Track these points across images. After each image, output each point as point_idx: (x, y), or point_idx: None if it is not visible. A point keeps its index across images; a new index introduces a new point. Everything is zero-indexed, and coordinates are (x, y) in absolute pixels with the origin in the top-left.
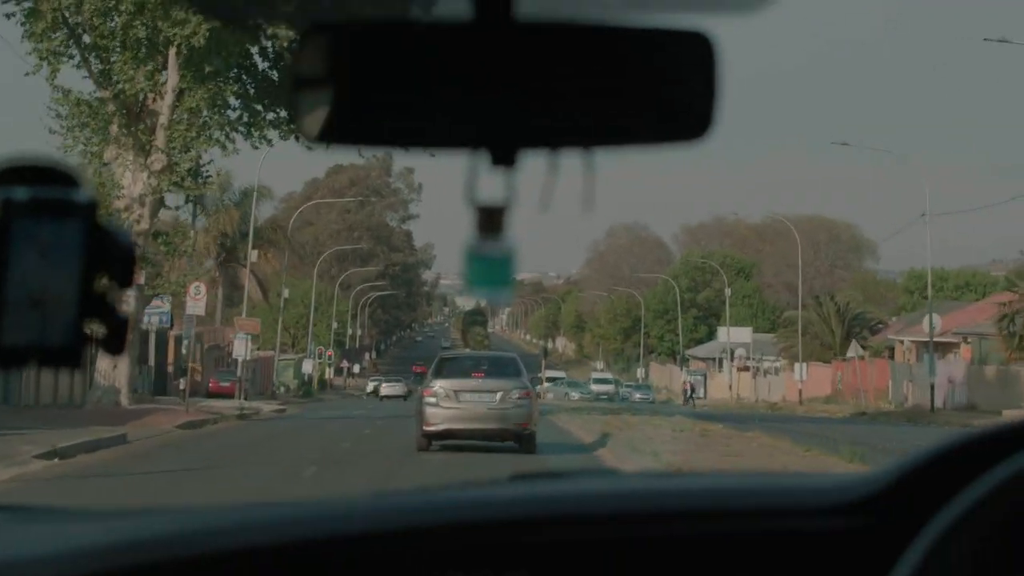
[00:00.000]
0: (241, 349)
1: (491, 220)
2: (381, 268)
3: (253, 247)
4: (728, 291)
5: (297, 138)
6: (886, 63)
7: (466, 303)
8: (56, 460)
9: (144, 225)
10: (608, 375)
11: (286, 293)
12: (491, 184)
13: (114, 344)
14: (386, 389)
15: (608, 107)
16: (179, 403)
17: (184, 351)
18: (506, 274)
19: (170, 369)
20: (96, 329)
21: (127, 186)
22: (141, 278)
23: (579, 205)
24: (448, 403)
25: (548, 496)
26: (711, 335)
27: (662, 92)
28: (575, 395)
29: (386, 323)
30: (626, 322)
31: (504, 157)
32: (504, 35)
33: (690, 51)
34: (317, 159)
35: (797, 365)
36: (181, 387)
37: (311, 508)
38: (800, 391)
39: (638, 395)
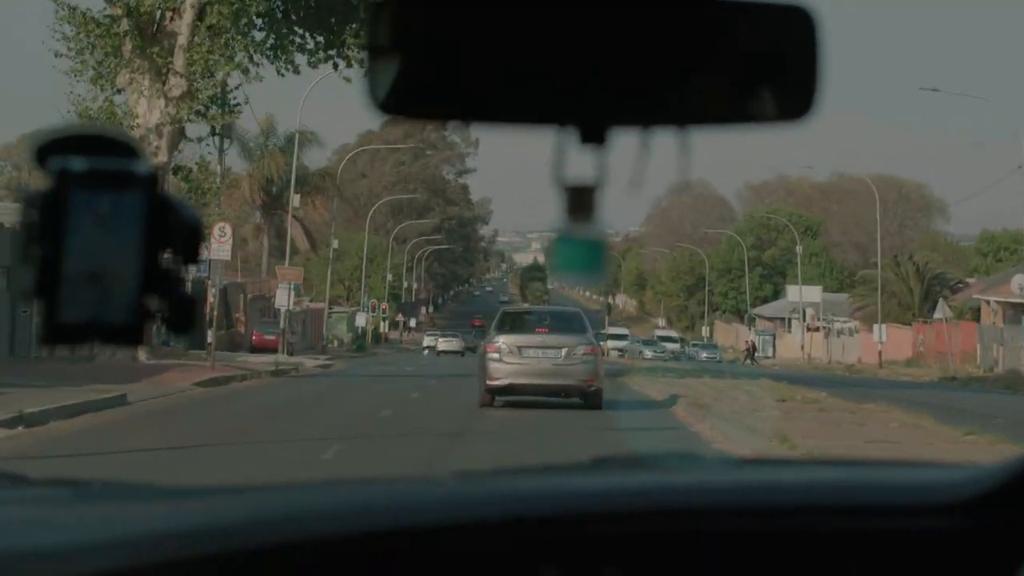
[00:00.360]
0: (283, 299)
1: (581, 201)
2: (437, 221)
3: (300, 195)
4: (799, 248)
5: (336, 65)
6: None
7: (524, 259)
8: (20, 428)
9: (162, 158)
10: (672, 333)
11: (335, 243)
12: (580, 162)
13: (180, 322)
14: (443, 344)
15: (704, 84)
16: (222, 358)
17: (212, 299)
18: (598, 258)
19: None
20: (159, 306)
21: (142, 115)
22: None
23: (626, 183)
24: (512, 358)
25: (639, 488)
26: (776, 294)
27: (761, 69)
28: (648, 353)
29: (442, 277)
30: (689, 280)
31: (594, 134)
32: (596, 4)
33: (791, 26)
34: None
35: (876, 326)
36: (209, 340)
37: (396, 490)
38: (880, 353)
39: (704, 354)
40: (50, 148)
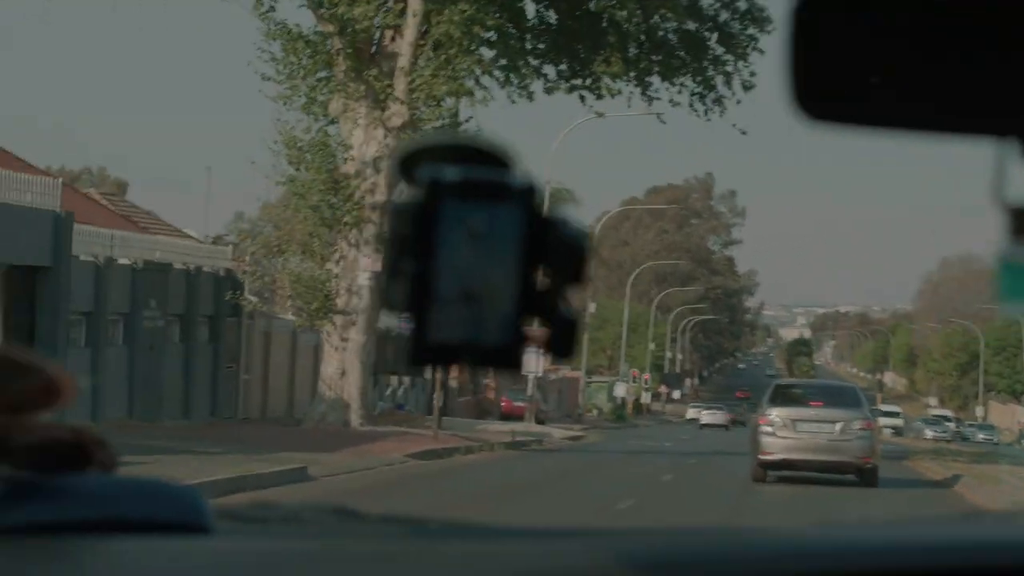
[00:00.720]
0: (532, 364)
1: None
2: (702, 291)
3: None
4: None
5: (582, 97)
6: None
7: (789, 334)
8: None
9: (380, 196)
10: (947, 412)
11: (592, 308)
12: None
13: (561, 346)
14: (707, 417)
15: None
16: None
17: None
18: None
19: (453, 383)
20: (538, 330)
21: (357, 146)
22: (377, 266)
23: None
24: (785, 432)
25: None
26: None
27: None
28: (929, 433)
29: (707, 349)
30: (962, 357)
31: None
32: None
33: None
34: (636, 176)
35: None
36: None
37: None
38: None
39: (981, 435)
40: (416, 159)
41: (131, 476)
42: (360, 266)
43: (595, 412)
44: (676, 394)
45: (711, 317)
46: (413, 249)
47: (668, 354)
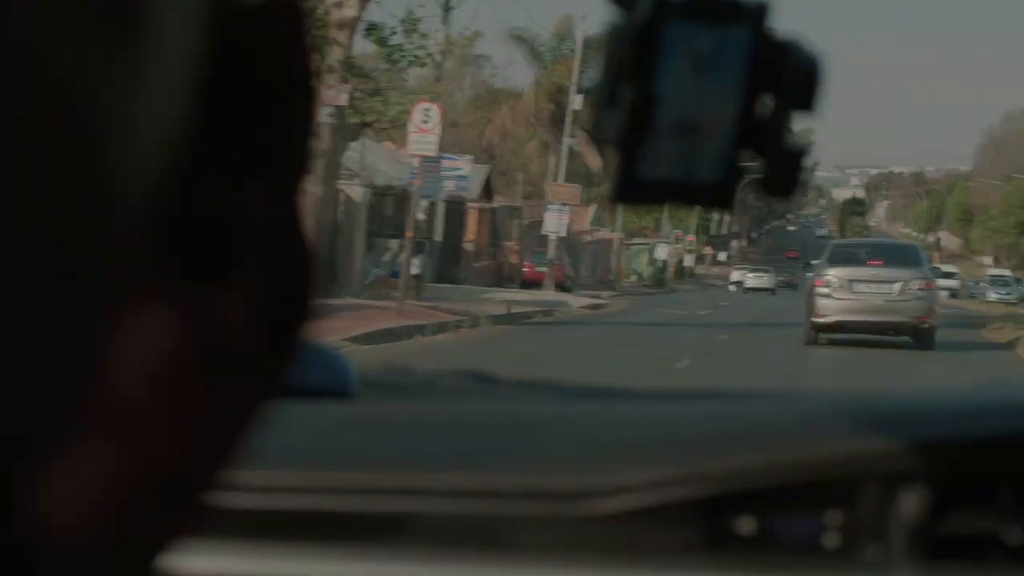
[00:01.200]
0: (553, 223)
1: None
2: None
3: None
4: None
5: None
6: None
7: (842, 194)
8: None
9: (350, 11)
10: (1005, 272)
11: None
12: None
13: (779, 184)
14: (752, 280)
15: None
16: (453, 295)
17: (421, 215)
18: None
19: (469, 247)
20: (757, 163)
21: None
22: (342, 98)
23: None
24: (841, 293)
25: None
26: None
27: None
28: (992, 295)
29: (757, 210)
30: (1022, 215)
31: None
32: None
33: None
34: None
35: None
36: (416, 271)
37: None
38: None
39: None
40: None
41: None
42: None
43: (633, 277)
44: (722, 256)
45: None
46: (631, 76)
47: (715, 215)
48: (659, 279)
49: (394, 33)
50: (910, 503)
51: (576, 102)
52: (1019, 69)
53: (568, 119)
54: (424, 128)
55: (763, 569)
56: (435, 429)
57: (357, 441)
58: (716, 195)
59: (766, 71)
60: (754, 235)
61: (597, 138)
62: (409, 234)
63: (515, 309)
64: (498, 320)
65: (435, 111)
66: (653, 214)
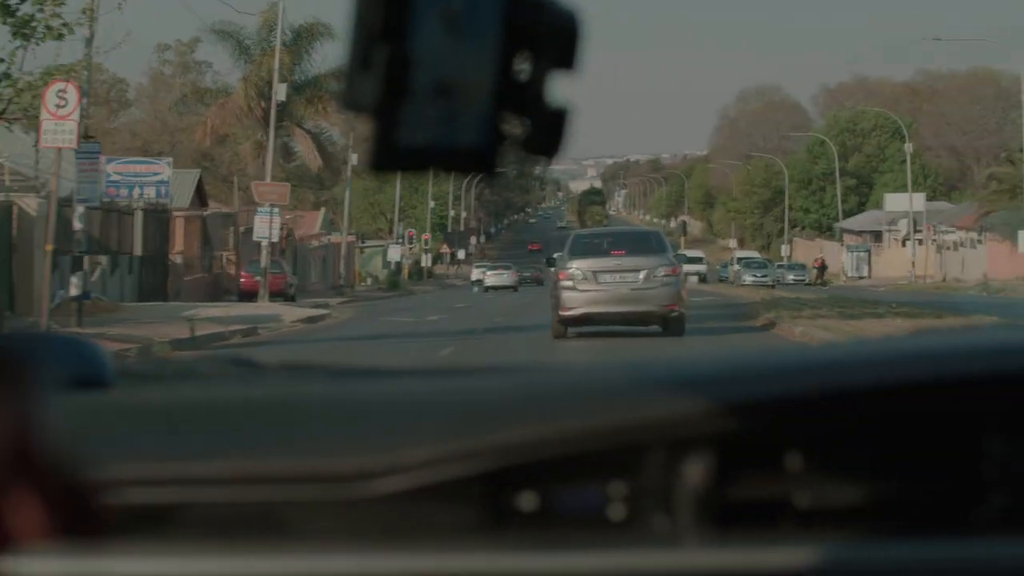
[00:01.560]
0: (263, 228)
1: None
2: None
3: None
4: (909, 146)
5: None
6: None
7: (580, 186)
8: None
9: None
10: (754, 254)
11: (354, 159)
12: None
13: (543, 143)
14: (492, 278)
15: None
16: (151, 314)
17: (80, 226)
18: None
19: (177, 259)
20: (518, 125)
21: None
22: None
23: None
24: (586, 285)
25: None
26: (862, 206)
27: None
28: (748, 278)
29: (495, 205)
30: (764, 194)
31: None
32: None
33: None
34: None
35: (1021, 233)
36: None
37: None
38: None
39: (791, 276)
40: None
41: (32, 331)
42: None
43: (369, 281)
44: (461, 254)
45: (497, 171)
46: (383, 37)
47: (452, 213)
48: (394, 282)
49: (22, 1)
50: (696, 470)
51: (281, 92)
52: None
53: (273, 112)
54: (60, 114)
55: (547, 544)
56: (200, 416)
57: (119, 431)
58: (478, 160)
59: (523, 29)
60: (493, 230)
61: (350, 105)
62: (49, 247)
63: (205, 330)
64: (179, 346)
65: (73, 92)
66: (387, 215)
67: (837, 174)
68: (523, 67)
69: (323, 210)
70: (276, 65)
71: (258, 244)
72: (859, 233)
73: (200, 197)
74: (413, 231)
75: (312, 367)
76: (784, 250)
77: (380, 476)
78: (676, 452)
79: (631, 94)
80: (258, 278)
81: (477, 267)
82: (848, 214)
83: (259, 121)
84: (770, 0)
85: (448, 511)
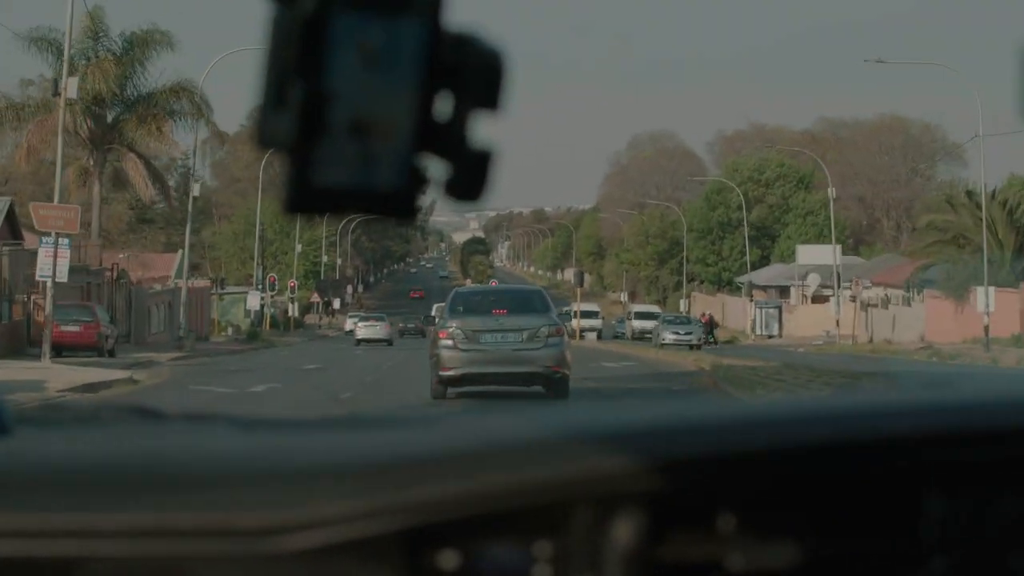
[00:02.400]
0: (47, 264)
1: None
2: None
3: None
4: (832, 191)
5: None
6: None
7: (462, 238)
8: None
9: None
10: (654, 308)
11: (196, 190)
12: None
13: (466, 188)
14: (363, 330)
15: None
16: None
17: None
18: None
19: None
20: (440, 167)
21: None
22: None
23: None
24: (467, 345)
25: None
26: (766, 259)
27: None
28: (669, 336)
29: (374, 253)
30: (661, 244)
31: None
32: None
33: None
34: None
35: (980, 290)
36: None
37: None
38: (987, 328)
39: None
40: None
41: None
42: None
43: (229, 331)
44: (337, 303)
45: (376, 217)
46: (297, 71)
47: (325, 259)
48: (253, 333)
49: None
50: (625, 529)
51: (72, 88)
52: (639, 98)
53: (62, 117)
54: None
55: None
56: (102, 466)
57: (16, 481)
58: (396, 202)
59: (445, 67)
60: (372, 279)
61: (263, 142)
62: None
63: None
64: None
65: None
66: (263, 263)
67: (746, 222)
68: (445, 107)
69: (180, 252)
70: (67, 55)
71: (83, 288)
72: (764, 288)
73: (12, 229)
74: (275, 276)
75: (216, 417)
76: (682, 305)
77: (292, 532)
78: (604, 510)
79: (514, 145)
80: (70, 327)
81: (350, 317)
82: (752, 267)
83: (84, 143)
84: (661, 44)
85: (364, 570)
